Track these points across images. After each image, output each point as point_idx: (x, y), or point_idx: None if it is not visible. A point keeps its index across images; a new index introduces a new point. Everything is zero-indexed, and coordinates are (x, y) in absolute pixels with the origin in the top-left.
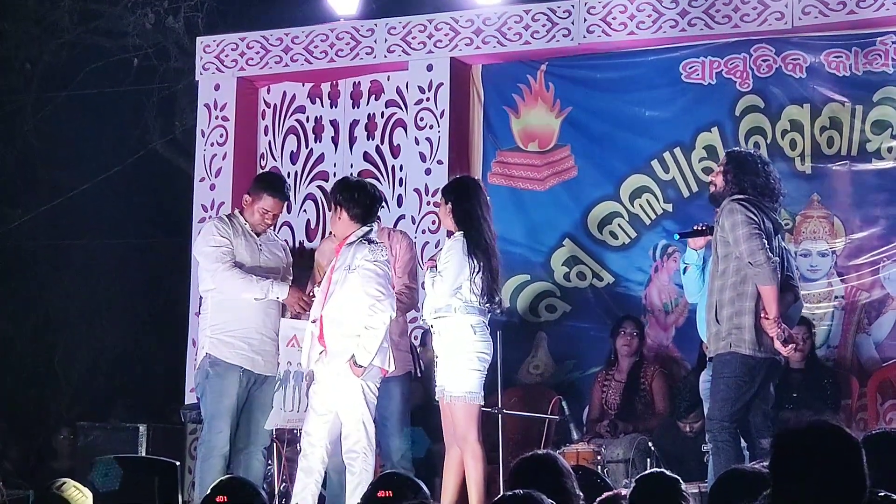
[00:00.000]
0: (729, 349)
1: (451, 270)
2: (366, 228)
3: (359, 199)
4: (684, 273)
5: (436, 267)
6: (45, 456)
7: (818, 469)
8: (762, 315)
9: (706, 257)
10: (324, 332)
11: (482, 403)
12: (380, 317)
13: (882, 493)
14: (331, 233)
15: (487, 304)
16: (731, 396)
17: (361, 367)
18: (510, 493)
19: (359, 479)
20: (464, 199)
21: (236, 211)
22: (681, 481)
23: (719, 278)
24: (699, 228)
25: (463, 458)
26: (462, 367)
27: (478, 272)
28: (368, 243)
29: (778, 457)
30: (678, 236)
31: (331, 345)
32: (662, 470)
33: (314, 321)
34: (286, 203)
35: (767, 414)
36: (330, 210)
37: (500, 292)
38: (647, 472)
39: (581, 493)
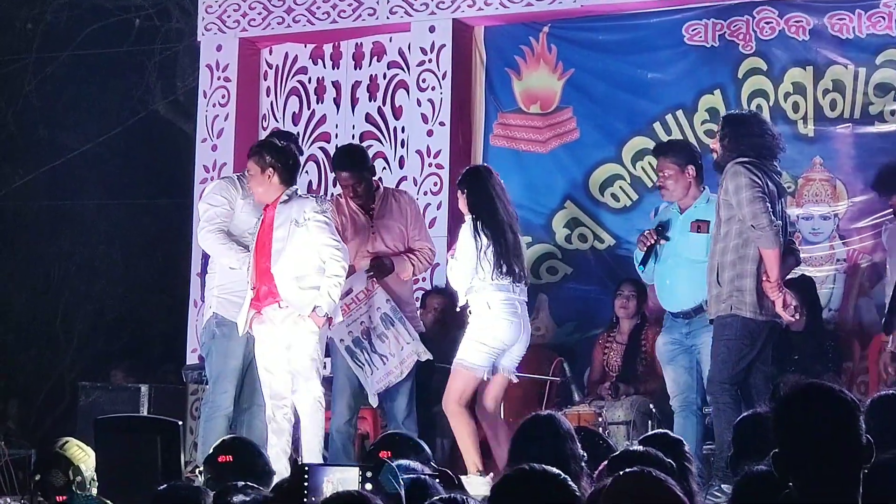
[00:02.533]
0: (730, 312)
1: (461, 252)
2: (295, 187)
3: (291, 164)
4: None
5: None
6: (45, 416)
7: (817, 430)
8: (763, 278)
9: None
10: (279, 289)
11: (481, 377)
12: (342, 265)
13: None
14: (334, 196)
15: (508, 278)
16: (732, 359)
17: (325, 316)
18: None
19: (315, 430)
20: (475, 185)
21: (247, 171)
22: (685, 442)
23: (721, 241)
24: (650, 244)
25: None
26: (471, 338)
27: (488, 248)
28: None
29: (778, 419)
30: (643, 268)
31: (290, 299)
32: (666, 431)
33: (253, 288)
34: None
35: (769, 376)
36: (257, 172)
37: (518, 265)
38: (650, 433)
39: (584, 454)
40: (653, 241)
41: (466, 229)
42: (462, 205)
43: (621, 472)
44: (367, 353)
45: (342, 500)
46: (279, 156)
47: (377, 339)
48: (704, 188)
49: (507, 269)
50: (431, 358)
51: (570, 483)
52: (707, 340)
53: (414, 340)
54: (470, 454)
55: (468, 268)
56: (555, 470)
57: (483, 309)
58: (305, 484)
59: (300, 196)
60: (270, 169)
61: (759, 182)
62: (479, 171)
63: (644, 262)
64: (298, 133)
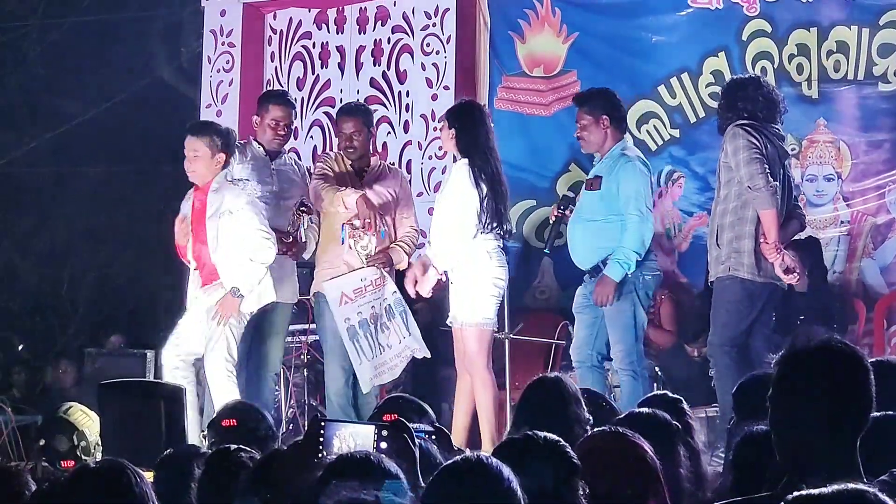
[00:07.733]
0: (728, 273)
1: (460, 199)
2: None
3: (231, 150)
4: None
5: None
6: (51, 382)
7: (826, 387)
8: (762, 240)
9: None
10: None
11: (496, 329)
12: (272, 251)
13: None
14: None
15: (498, 230)
16: (731, 321)
17: (239, 297)
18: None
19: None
20: (469, 126)
21: (250, 138)
22: (683, 400)
23: (721, 203)
24: (556, 217)
25: (473, 385)
26: (477, 292)
27: (486, 198)
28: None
29: (782, 375)
30: (548, 251)
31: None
32: (665, 392)
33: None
34: (294, 113)
35: (769, 338)
36: (206, 154)
37: (508, 219)
38: (650, 393)
39: (590, 417)
40: (556, 215)
41: (462, 175)
42: (446, 140)
43: (594, 432)
44: (370, 337)
45: (357, 461)
46: (228, 141)
47: (380, 328)
48: (622, 140)
49: (503, 224)
50: (429, 356)
51: (569, 450)
52: None
53: (411, 336)
54: (491, 427)
55: (471, 218)
56: (553, 437)
57: (486, 258)
58: (321, 439)
59: (227, 182)
60: (221, 154)
61: (757, 144)
62: (472, 110)
63: (547, 243)
64: (303, 98)
